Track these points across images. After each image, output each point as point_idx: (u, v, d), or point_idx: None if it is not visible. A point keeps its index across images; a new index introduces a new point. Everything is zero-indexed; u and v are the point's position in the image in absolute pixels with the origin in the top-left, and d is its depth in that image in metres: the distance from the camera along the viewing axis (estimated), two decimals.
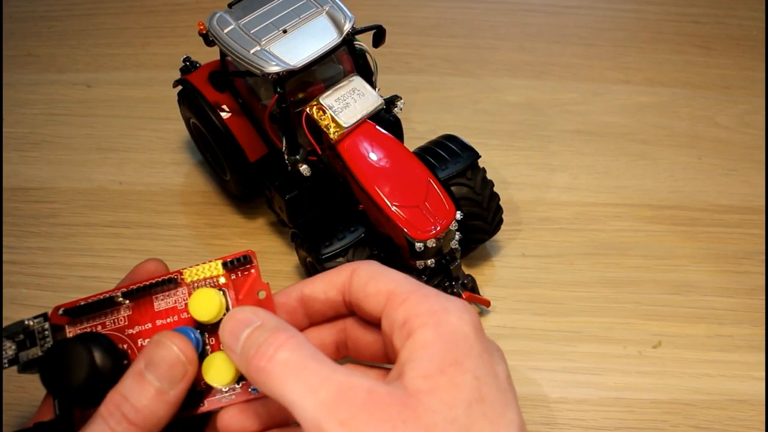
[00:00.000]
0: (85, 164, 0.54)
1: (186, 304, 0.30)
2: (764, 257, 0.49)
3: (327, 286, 0.30)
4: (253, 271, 0.31)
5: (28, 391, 0.43)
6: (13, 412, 0.42)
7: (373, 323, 0.29)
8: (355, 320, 0.31)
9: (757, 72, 0.60)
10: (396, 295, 0.27)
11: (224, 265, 0.31)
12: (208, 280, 0.31)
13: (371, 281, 0.28)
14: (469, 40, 0.63)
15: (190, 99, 0.46)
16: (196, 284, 0.31)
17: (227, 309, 0.30)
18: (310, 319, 0.31)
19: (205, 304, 0.29)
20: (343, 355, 0.32)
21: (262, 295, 0.31)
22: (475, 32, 0.63)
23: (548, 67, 0.61)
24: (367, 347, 0.30)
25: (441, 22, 0.64)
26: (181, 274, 0.31)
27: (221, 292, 0.30)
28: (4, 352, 0.29)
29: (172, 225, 0.51)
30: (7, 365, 0.29)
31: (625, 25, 0.64)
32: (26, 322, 0.30)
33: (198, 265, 0.31)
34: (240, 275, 0.31)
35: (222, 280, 0.31)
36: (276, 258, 0.49)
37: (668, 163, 0.54)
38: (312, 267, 0.44)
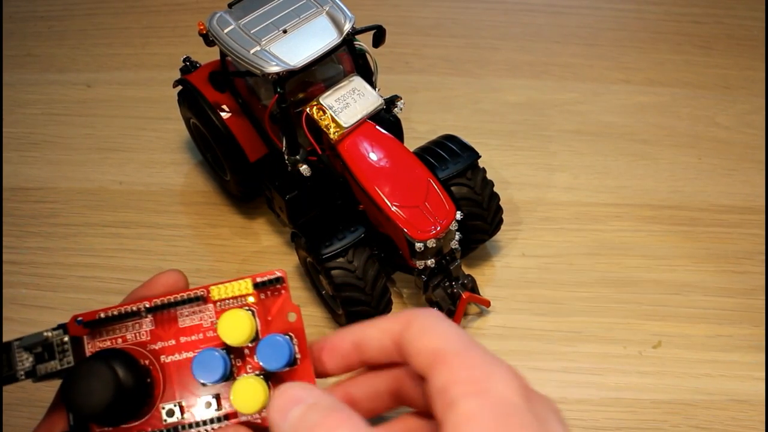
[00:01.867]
0: (85, 164, 0.54)
1: (212, 323, 0.30)
2: (764, 257, 0.49)
3: (381, 333, 0.29)
4: (283, 292, 0.30)
5: (28, 392, 0.43)
6: (14, 412, 0.42)
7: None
8: (409, 370, 0.29)
9: (757, 72, 0.60)
10: (440, 356, 0.25)
11: (254, 284, 0.30)
12: (236, 299, 0.30)
13: (422, 336, 0.26)
14: (469, 40, 0.63)
15: (190, 99, 0.46)
16: (223, 302, 0.30)
17: (257, 332, 0.30)
18: (364, 364, 0.30)
19: (236, 327, 0.28)
20: (399, 403, 0.30)
21: (293, 317, 0.30)
22: (475, 32, 0.63)
23: (548, 67, 0.61)
24: (421, 398, 0.28)
25: (441, 22, 0.64)
26: (209, 290, 0.30)
27: (250, 313, 0.29)
28: (20, 364, 0.28)
29: (172, 225, 0.51)
30: (23, 377, 0.28)
31: (625, 25, 0.64)
32: (45, 334, 0.29)
33: (227, 282, 0.30)
34: (269, 295, 0.30)
35: (251, 299, 0.30)
36: (276, 258, 0.49)
37: (668, 163, 0.54)
38: (312, 267, 0.44)
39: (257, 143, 0.46)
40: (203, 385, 0.29)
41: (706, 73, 0.60)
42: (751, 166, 0.54)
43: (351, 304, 0.41)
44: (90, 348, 0.30)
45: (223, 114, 0.45)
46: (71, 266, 0.48)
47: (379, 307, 0.42)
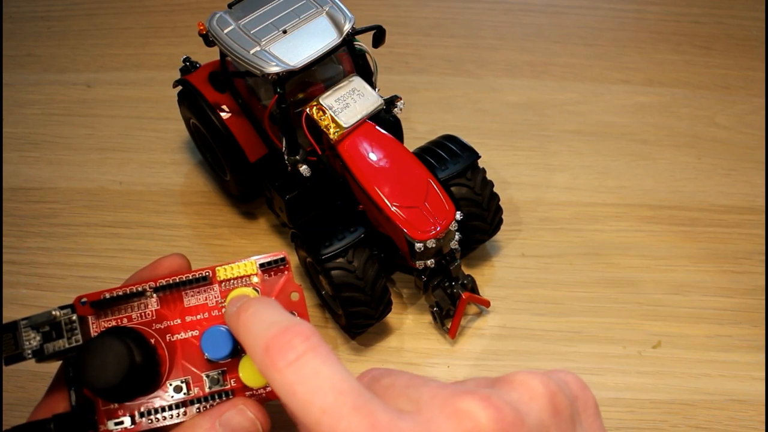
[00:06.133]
0: (85, 164, 0.54)
1: (217, 302, 0.31)
2: (764, 257, 0.49)
3: None
4: (286, 272, 0.31)
5: (27, 391, 0.43)
6: (14, 412, 0.42)
7: None
8: None
9: (757, 72, 0.60)
10: None
11: (259, 265, 0.31)
12: (241, 279, 0.31)
13: None
14: (469, 40, 0.63)
15: (190, 99, 0.46)
16: (228, 282, 0.31)
17: None
18: None
19: None
20: None
21: (295, 296, 0.31)
22: (475, 32, 0.63)
23: (548, 67, 0.61)
24: None
25: (441, 22, 0.64)
26: (214, 271, 0.31)
27: (257, 293, 0.31)
28: (27, 343, 0.29)
29: (172, 225, 0.51)
30: (30, 356, 0.29)
31: (625, 25, 0.64)
32: (53, 313, 0.29)
33: (232, 262, 0.31)
34: (272, 276, 0.31)
35: (255, 279, 0.31)
36: None
37: (668, 163, 0.54)
38: (312, 267, 0.44)
39: (257, 143, 0.46)
40: (209, 361, 0.30)
41: (705, 73, 0.60)
42: (750, 166, 0.54)
43: (351, 305, 0.41)
44: (95, 328, 0.30)
45: (223, 114, 0.45)
46: (71, 266, 0.48)
47: (379, 307, 0.42)
